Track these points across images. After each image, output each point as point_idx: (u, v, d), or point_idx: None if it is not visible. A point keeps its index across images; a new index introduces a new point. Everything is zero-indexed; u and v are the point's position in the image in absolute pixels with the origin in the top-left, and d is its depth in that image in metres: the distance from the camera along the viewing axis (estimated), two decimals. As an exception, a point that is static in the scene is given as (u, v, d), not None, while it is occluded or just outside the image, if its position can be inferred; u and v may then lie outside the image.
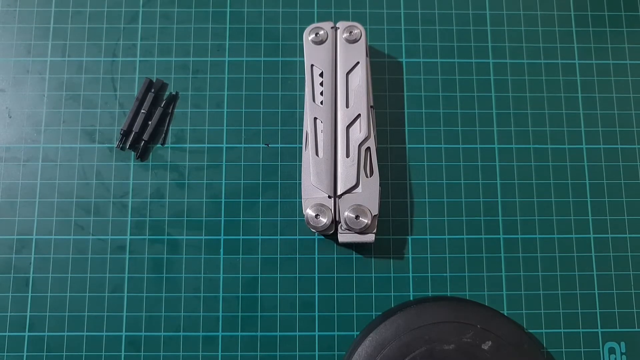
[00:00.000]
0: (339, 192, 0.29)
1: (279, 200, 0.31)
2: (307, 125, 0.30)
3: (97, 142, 0.32)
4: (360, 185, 0.29)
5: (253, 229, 0.31)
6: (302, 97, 0.33)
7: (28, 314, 0.30)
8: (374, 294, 0.30)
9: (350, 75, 0.30)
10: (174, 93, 0.33)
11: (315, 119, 0.30)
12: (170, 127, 0.32)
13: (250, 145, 0.32)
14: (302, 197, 0.29)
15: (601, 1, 0.34)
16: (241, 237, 0.31)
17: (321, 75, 0.30)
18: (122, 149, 0.32)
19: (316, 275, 0.30)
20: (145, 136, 0.32)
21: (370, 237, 0.29)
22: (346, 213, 0.28)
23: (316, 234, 0.31)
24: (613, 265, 0.31)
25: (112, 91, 0.33)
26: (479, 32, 0.34)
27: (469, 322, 0.27)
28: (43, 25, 0.33)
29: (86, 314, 0.30)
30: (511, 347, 0.27)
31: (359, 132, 0.30)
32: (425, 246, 0.31)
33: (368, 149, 0.30)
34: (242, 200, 0.31)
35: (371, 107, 0.30)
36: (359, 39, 0.31)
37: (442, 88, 0.33)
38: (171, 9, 0.34)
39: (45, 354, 0.29)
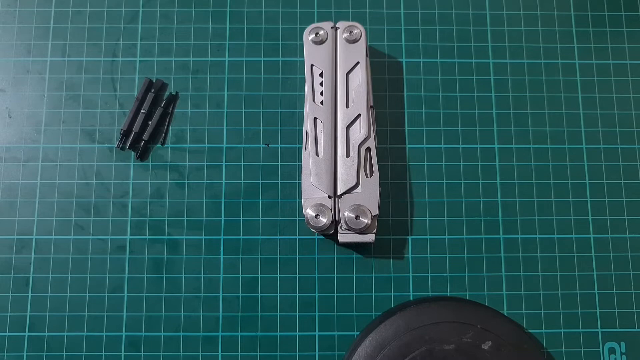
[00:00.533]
0: (339, 192, 0.29)
1: (279, 200, 0.31)
2: (307, 125, 0.30)
3: (97, 142, 0.32)
4: (360, 185, 0.29)
5: (253, 229, 0.31)
6: (302, 97, 0.33)
7: (28, 314, 0.30)
8: (374, 294, 0.30)
9: (350, 75, 0.30)
10: (174, 93, 0.33)
11: (315, 119, 0.30)
12: (170, 127, 0.32)
13: (250, 145, 0.32)
14: (302, 197, 0.29)
15: (601, 1, 0.34)
16: (241, 237, 0.31)
17: (321, 75, 0.30)
18: (122, 149, 0.32)
19: (316, 275, 0.30)
20: (145, 136, 0.32)
21: (370, 237, 0.29)
22: (346, 213, 0.28)
23: (316, 234, 0.31)
24: (613, 265, 0.31)
25: (112, 91, 0.33)
26: (479, 32, 0.34)
27: (469, 322, 0.27)
28: (43, 25, 0.33)
29: (86, 314, 0.30)
30: (511, 347, 0.27)
31: (359, 132, 0.30)
32: (425, 246, 0.31)
33: (368, 149, 0.30)
34: (242, 200, 0.31)
35: (371, 107, 0.30)
36: (359, 39, 0.31)
37: (442, 88, 0.33)
38: (171, 9, 0.34)
39: (45, 354, 0.29)
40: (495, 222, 0.31)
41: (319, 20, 0.34)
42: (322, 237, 0.31)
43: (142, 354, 0.29)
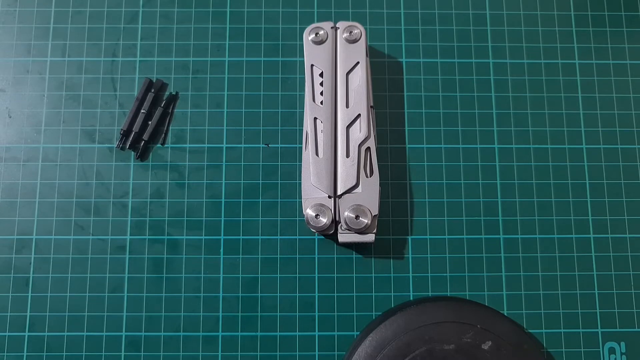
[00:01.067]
0: (339, 192, 0.29)
1: (279, 200, 0.31)
2: (307, 125, 0.30)
3: (97, 142, 0.32)
4: (360, 185, 0.29)
5: (253, 229, 0.31)
6: (302, 97, 0.33)
7: (28, 314, 0.30)
8: (374, 294, 0.30)
9: (350, 75, 0.30)
10: (174, 93, 0.33)
11: (315, 119, 0.30)
12: (170, 127, 0.32)
13: (250, 145, 0.32)
14: (302, 197, 0.29)
15: (601, 1, 0.34)
16: (241, 237, 0.31)
17: (321, 75, 0.30)
18: (122, 149, 0.32)
19: (316, 275, 0.30)
20: (145, 136, 0.32)
21: (370, 237, 0.29)
22: (346, 213, 0.28)
23: (316, 234, 0.31)
24: (613, 265, 0.31)
25: (112, 91, 0.33)
26: (479, 32, 0.34)
27: (469, 322, 0.27)
28: (43, 25, 0.33)
29: (86, 314, 0.30)
30: (511, 347, 0.27)
31: (359, 132, 0.30)
32: (425, 246, 0.31)
33: (368, 149, 0.30)
34: (242, 200, 0.31)
35: (371, 107, 0.30)
36: (359, 39, 0.31)
37: (442, 88, 0.33)
38: (171, 9, 0.34)
39: (45, 354, 0.29)
40: (495, 222, 0.31)
41: (319, 20, 0.34)
42: (322, 237, 0.31)
43: (142, 354, 0.29)
